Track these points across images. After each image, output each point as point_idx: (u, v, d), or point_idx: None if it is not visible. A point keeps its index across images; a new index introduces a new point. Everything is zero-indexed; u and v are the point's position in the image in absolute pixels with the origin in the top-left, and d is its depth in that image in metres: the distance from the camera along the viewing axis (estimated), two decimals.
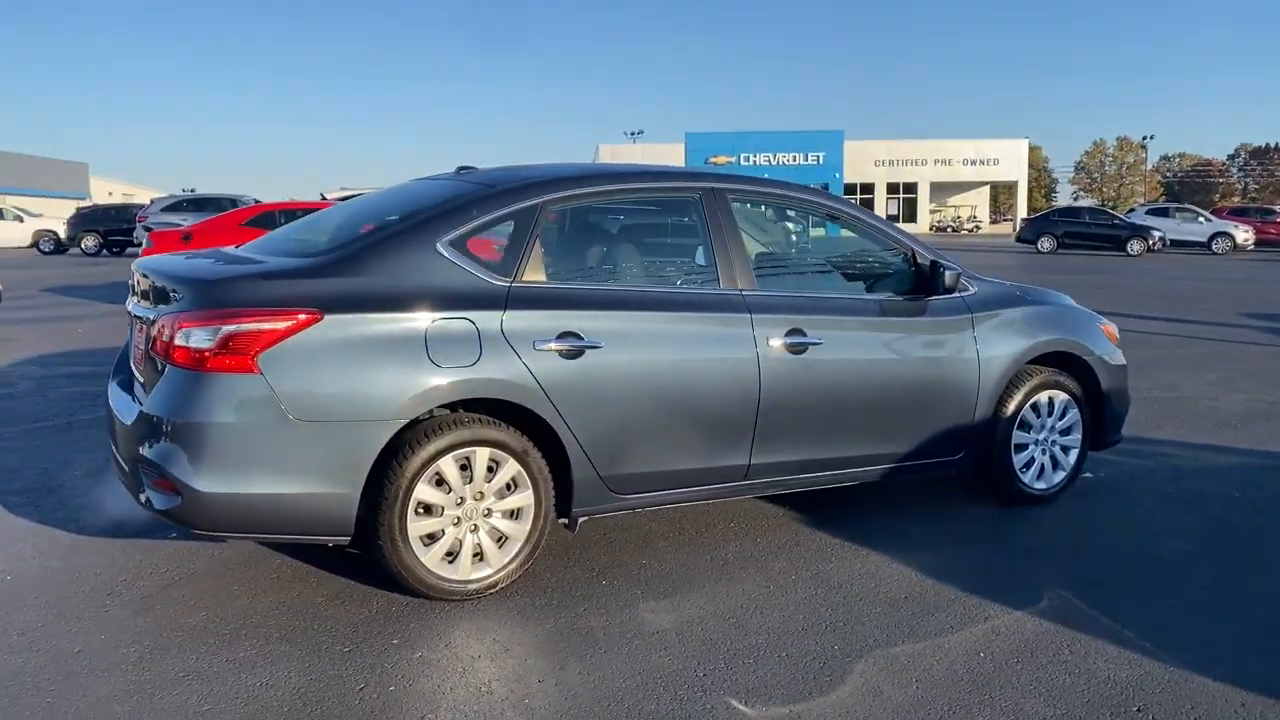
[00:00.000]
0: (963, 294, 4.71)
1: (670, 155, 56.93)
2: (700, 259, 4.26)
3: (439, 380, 3.56)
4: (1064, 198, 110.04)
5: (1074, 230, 34.70)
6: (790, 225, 5.66)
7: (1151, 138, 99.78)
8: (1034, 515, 4.85)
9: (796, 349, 4.21)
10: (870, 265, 4.84)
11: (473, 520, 3.73)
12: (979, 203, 69.69)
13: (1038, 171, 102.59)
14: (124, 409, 3.78)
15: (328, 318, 3.45)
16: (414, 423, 3.59)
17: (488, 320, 3.67)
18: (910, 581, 4.01)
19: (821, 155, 57.93)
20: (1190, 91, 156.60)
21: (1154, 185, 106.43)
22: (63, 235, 33.03)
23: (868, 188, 63.42)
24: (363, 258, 3.67)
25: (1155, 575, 4.09)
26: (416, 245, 3.72)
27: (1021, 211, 61.83)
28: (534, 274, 3.85)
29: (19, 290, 17.07)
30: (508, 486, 3.78)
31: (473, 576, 3.74)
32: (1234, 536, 4.55)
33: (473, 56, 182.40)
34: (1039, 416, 4.93)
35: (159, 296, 3.72)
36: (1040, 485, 4.97)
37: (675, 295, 4.12)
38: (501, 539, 3.80)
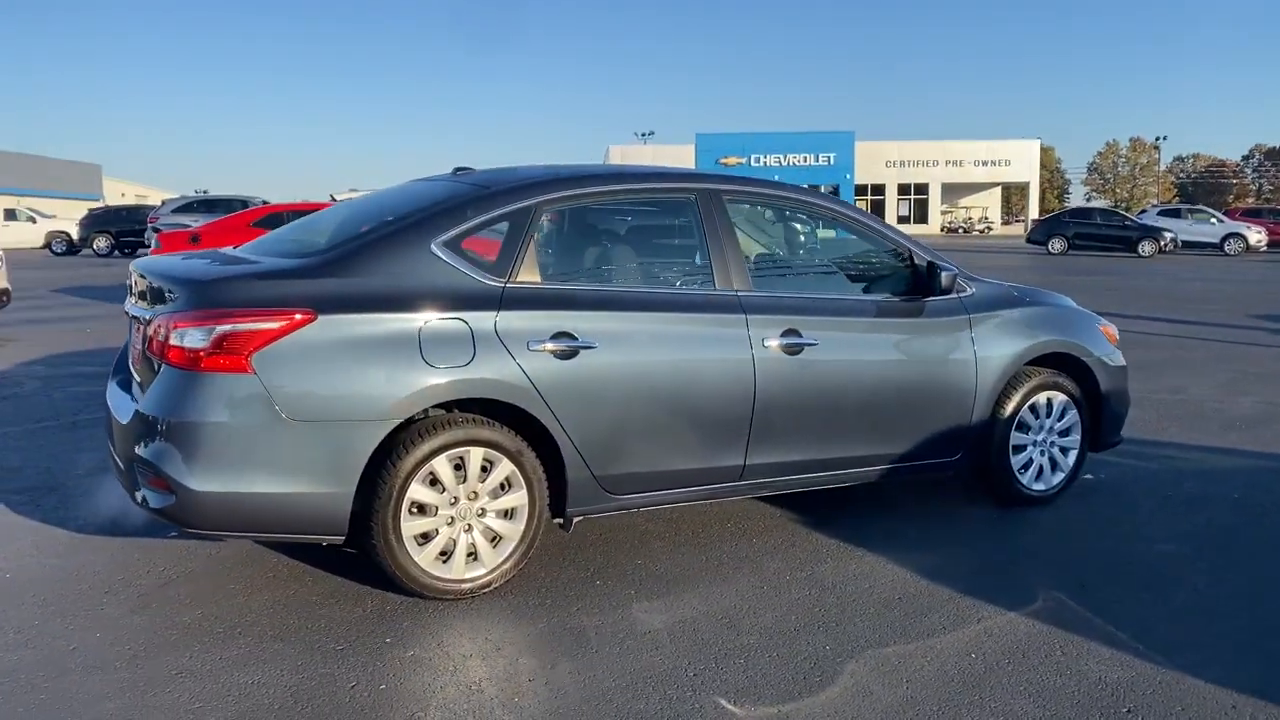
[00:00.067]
0: (960, 295, 4.71)
1: (680, 156, 56.94)
2: (696, 260, 4.27)
3: (432, 380, 3.57)
4: (1077, 199, 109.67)
5: (1085, 231, 34.57)
6: (800, 226, 5.64)
7: (1165, 138, 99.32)
8: (1032, 517, 4.84)
9: (792, 350, 4.22)
10: (867, 266, 4.84)
11: (467, 520, 3.74)
12: (990, 204, 69.49)
13: (1050, 173, 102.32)
14: (121, 408, 3.81)
15: (321, 318, 3.47)
16: (408, 422, 3.61)
17: (481, 320, 3.68)
18: (905, 582, 4.00)
19: (832, 156, 57.85)
20: (1204, 92, 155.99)
21: (1167, 186, 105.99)
22: (75, 236, 33.26)
23: (879, 189, 63.32)
24: (357, 258, 3.69)
25: (1151, 577, 4.08)
26: (411, 246, 3.74)
27: (1033, 213, 61.70)
28: (528, 274, 3.86)
29: (30, 291, 17.17)
30: (502, 486, 3.80)
31: (466, 576, 3.75)
32: (1232, 539, 4.53)
33: (484, 57, 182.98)
34: (1037, 418, 4.92)
35: (155, 297, 3.74)
36: (1039, 487, 4.96)
37: (670, 296, 4.13)
38: (496, 539, 3.81)
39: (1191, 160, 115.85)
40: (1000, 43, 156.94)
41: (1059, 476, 5.02)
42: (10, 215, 37.65)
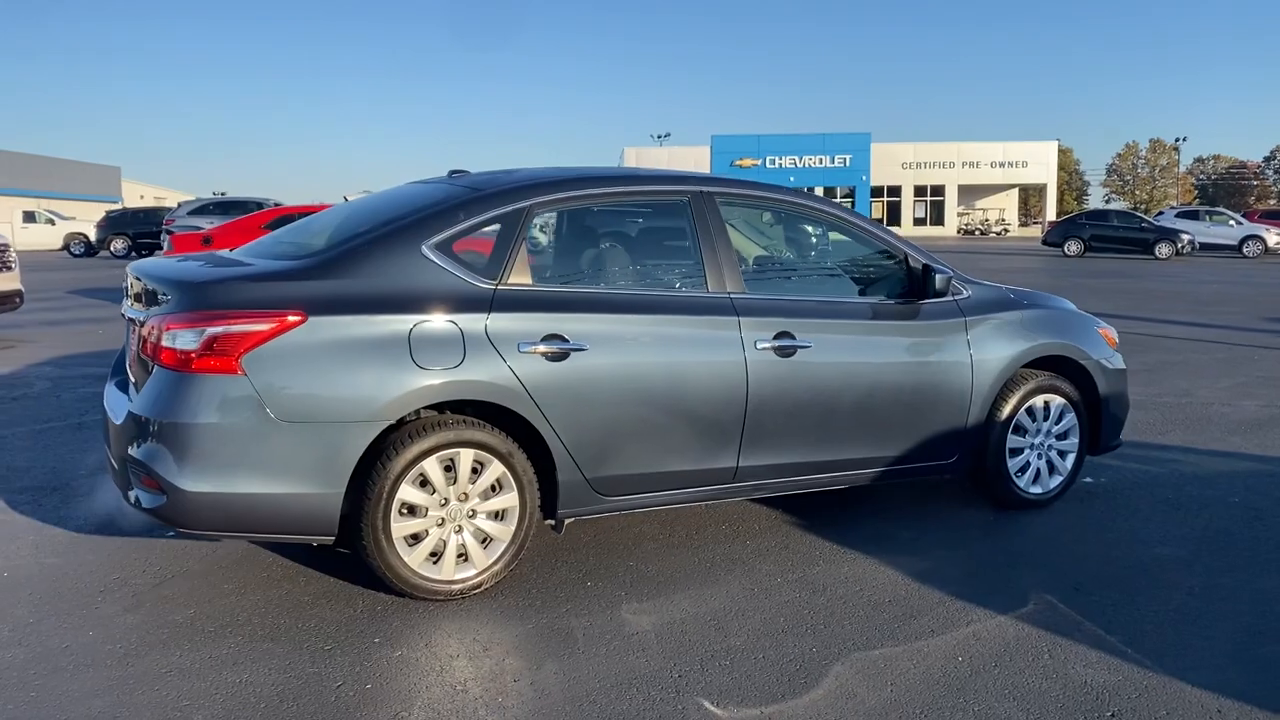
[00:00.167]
0: (955, 297, 4.70)
1: (696, 158, 57.01)
2: (688, 262, 4.27)
3: (422, 382, 3.59)
4: (1095, 200, 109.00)
5: (1101, 233, 34.36)
6: (793, 228, 5.64)
7: (1184, 139, 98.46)
8: (1028, 520, 4.83)
9: (785, 352, 4.22)
10: (862, 269, 4.84)
11: (457, 521, 3.76)
12: (1008, 206, 69.14)
13: (1068, 174, 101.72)
14: (116, 409, 3.85)
15: (312, 319, 3.50)
16: (399, 424, 3.63)
17: (472, 322, 3.70)
18: (896, 585, 4.00)
19: (848, 158, 57.75)
20: (1225, 92, 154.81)
21: (1187, 188, 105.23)
22: (93, 238, 33.54)
23: (894, 190, 63.15)
24: (349, 260, 3.72)
25: (1144, 581, 4.06)
26: (402, 248, 3.76)
27: (1050, 214, 61.35)
28: (519, 277, 3.88)
29: (46, 292, 17.34)
30: (492, 488, 3.82)
31: (456, 577, 3.77)
32: (1228, 543, 4.51)
33: (501, 60, 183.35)
34: (1035, 421, 4.91)
35: (150, 299, 3.78)
36: (1036, 490, 4.95)
37: (662, 298, 4.14)
38: (486, 540, 3.83)
39: (1212, 161, 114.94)
40: (1019, 44, 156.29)
41: (1056, 480, 5.00)
42: (29, 217, 38.06)
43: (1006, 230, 65.66)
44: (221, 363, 3.41)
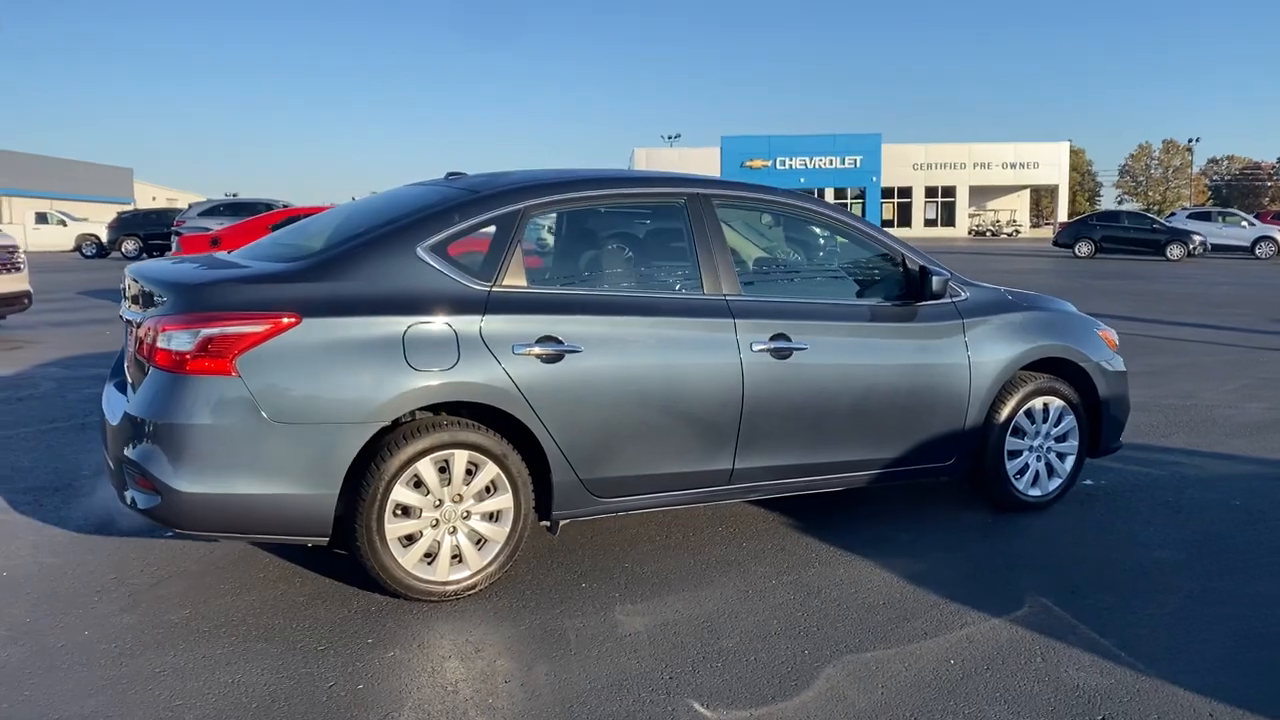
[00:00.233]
0: (953, 299, 4.69)
1: (706, 159, 56.97)
2: (684, 264, 4.28)
3: (416, 384, 3.60)
4: (1108, 202, 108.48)
5: (1112, 235, 34.23)
6: (791, 230, 5.64)
7: (1198, 140, 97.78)
8: (1026, 522, 4.81)
9: (781, 354, 4.22)
10: (859, 271, 4.83)
11: (451, 522, 3.77)
12: (1019, 207, 68.91)
13: (1081, 175, 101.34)
14: (113, 410, 3.87)
15: (306, 321, 3.51)
16: (393, 425, 3.65)
17: (466, 324, 3.71)
18: (891, 587, 4.00)
19: (859, 159, 57.72)
20: (1239, 93, 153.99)
21: (1201, 189, 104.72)
22: (104, 239, 33.72)
23: (905, 191, 63.00)
24: (343, 262, 3.73)
25: (1141, 584, 4.04)
26: (397, 250, 3.78)
27: (1062, 215, 61.13)
28: (514, 279, 3.89)
29: (56, 293, 17.45)
30: (487, 489, 3.82)
31: (451, 578, 3.78)
32: (1227, 546, 4.49)
33: (512, 61, 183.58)
34: (1033, 423, 4.89)
35: (147, 301, 3.80)
36: (1035, 492, 4.94)
37: (657, 300, 4.14)
38: (480, 541, 3.84)
39: (1226, 162, 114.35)
40: (1032, 45, 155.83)
41: (1056, 482, 4.99)
42: (41, 219, 38.31)
43: (1018, 231, 65.40)
44: (216, 364, 3.43)
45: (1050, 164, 63.79)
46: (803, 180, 55.65)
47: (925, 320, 4.60)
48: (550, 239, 4.57)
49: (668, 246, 4.48)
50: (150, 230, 32.38)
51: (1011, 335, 4.78)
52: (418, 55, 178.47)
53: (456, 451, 3.73)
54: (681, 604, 3.82)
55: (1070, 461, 5.02)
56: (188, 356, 3.43)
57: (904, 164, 61.72)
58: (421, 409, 3.70)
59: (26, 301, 11.47)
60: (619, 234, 4.59)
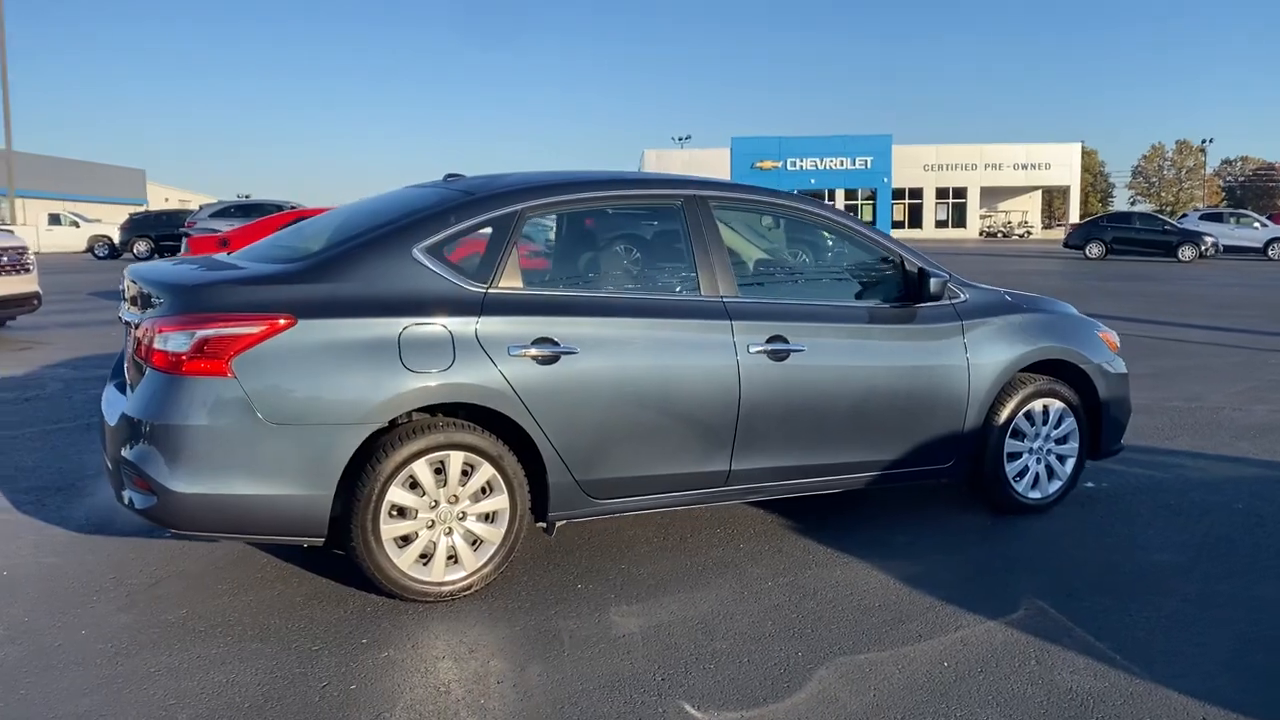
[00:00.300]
0: (952, 301, 4.68)
1: (716, 160, 56.93)
2: (681, 266, 4.28)
3: (412, 385, 3.61)
4: (1121, 203, 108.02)
5: (1123, 236, 34.09)
6: (789, 232, 5.64)
7: (1211, 141, 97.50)
8: (1025, 525, 4.80)
9: (778, 355, 4.22)
10: (858, 272, 4.83)
11: (447, 523, 3.78)
12: (1030, 208, 68.67)
13: (1093, 176, 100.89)
14: (112, 411, 3.89)
15: (302, 322, 3.53)
16: (389, 426, 3.66)
17: (462, 326, 3.72)
18: (887, 590, 3.99)
19: (870, 160, 57.62)
20: (1253, 94, 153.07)
21: (1214, 190, 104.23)
22: (116, 240, 33.90)
23: (916, 192, 62.85)
24: (340, 264, 3.75)
25: (1139, 587, 4.03)
26: (393, 251, 3.79)
27: (1074, 217, 60.87)
28: (510, 280, 3.89)
29: (66, 294, 17.55)
30: (483, 490, 3.83)
31: (446, 579, 3.79)
32: (1229, 549, 4.47)
33: (511, 59, 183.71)
34: (1033, 425, 4.88)
35: (145, 302, 3.82)
36: (1035, 495, 4.92)
37: (654, 302, 4.14)
38: (476, 542, 3.85)
39: (1239, 163, 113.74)
40: (1043, 45, 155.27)
41: (1056, 485, 4.97)
42: (54, 220, 38.52)
43: (1029, 233, 65.19)
44: (212, 365, 3.44)
45: (1062, 165, 63.53)
46: (813, 181, 55.63)
47: (924, 322, 4.59)
48: (547, 241, 4.57)
49: (664, 248, 4.48)
50: (162, 231, 32.53)
51: (1011, 337, 4.76)
52: (428, 58, 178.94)
53: (452, 452, 3.74)
54: (677, 605, 3.82)
55: (1070, 464, 5.00)
56: (184, 357, 3.45)
57: (915, 165, 61.57)
58: (417, 410, 3.71)
59: (35, 302, 11.54)
60: (615, 236, 4.60)
